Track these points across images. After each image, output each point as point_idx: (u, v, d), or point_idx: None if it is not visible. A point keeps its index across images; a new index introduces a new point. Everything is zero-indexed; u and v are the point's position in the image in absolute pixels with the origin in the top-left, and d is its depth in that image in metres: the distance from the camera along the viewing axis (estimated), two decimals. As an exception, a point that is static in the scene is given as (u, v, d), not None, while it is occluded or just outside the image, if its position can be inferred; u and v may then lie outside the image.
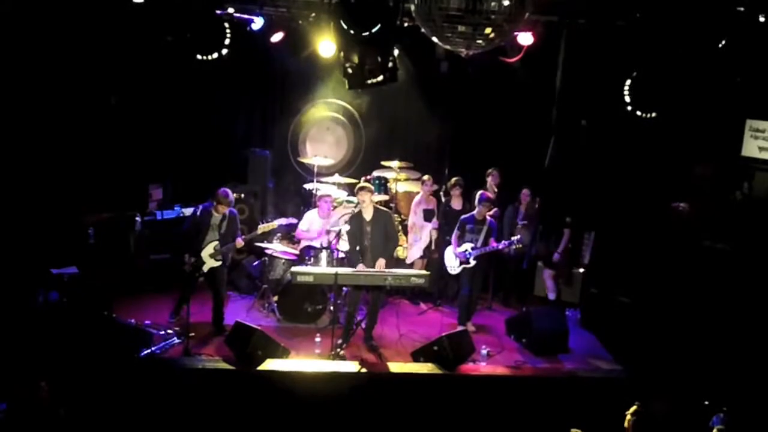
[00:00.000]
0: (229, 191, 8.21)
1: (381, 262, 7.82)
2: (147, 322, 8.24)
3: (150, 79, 9.82)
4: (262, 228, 8.39)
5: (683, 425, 6.23)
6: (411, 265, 9.68)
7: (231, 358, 7.46)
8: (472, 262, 8.59)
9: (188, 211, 9.35)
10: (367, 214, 7.93)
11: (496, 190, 9.83)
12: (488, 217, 8.74)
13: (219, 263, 8.27)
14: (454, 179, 9.54)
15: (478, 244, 8.61)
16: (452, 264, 8.88)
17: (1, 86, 8.49)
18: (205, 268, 8.18)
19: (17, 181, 8.62)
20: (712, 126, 8.97)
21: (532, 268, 9.83)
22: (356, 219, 7.99)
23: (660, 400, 6.36)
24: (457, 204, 9.60)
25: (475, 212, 8.69)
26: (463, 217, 8.81)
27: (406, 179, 10.62)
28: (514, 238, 8.59)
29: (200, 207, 8.34)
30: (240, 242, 8.34)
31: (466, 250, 8.64)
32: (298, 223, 9.58)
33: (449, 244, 8.99)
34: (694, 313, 8.00)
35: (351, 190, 10.15)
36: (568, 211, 9.55)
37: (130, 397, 6.80)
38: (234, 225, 8.26)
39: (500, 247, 8.51)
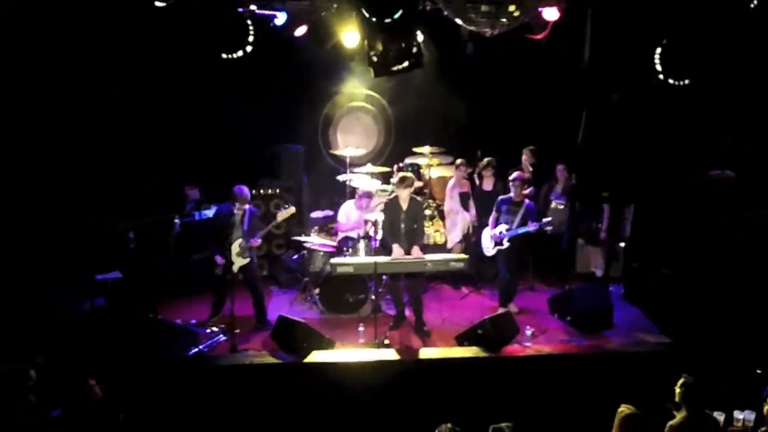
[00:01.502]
0: (245, 188, 8.22)
1: (416, 250, 7.86)
2: (192, 321, 8.33)
3: (179, 83, 9.90)
4: (281, 216, 8.40)
5: (736, 395, 6.12)
6: (450, 251, 9.66)
7: (277, 351, 7.52)
8: (506, 244, 8.57)
9: (205, 214, 9.51)
10: (404, 203, 7.97)
11: (531, 168, 9.83)
12: (527, 201, 8.73)
13: (247, 260, 8.31)
14: (486, 160, 9.58)
15: (513, 226, 8.58)
16: (487, 245, 8.89)
17: (36, 90, 8.65)
18: (235, 268, 8.19)
19: (56, 194, 8.82)
20: (747, 91, 8.92)
21: (573, 246, 9.79)
22: (392, 206, 8.03)
23: (710, 370, 6.23)
24: (487, 185, 9.62)
25: (511, 193, 8.67)
26: (499, 198, 8.79)
27: (439, 164, 10.64)
28: (545, 220, 8.47)
29: (216, 208, 8.48)
30: (255, 242, 8.34)
31: (500, 232, 8.64)
32: (333, 216, 9.76)
33: (485, 226, 9.00)
34: (738, 282, 7.94)
35: (384, 179, 10.18)
36: (606, 185, 9.51)
37: (184, 397, 6.89)
38: (255, 221, 8.30)
39: (530, 229, 8.41)
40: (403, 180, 7.92)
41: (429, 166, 10.38)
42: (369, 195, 9.37)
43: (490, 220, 8.79)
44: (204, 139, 10.15)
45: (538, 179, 9.71)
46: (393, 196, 8.09)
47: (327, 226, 10.01)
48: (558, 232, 9.20)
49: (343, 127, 11.39)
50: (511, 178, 8.66)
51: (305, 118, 11.14)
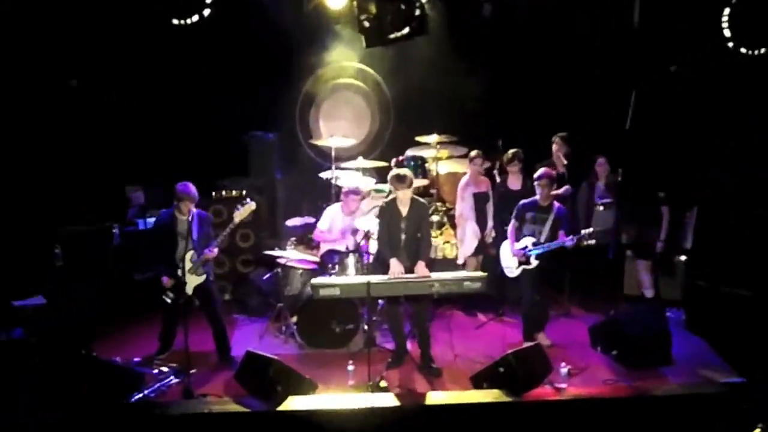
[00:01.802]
0: (190, 185, 8.22)
1: (421, 266, 7.86)
2: (136, 359, 8.36)
3: (119, 56, 10.02)
4: (239, 215, 8.26)
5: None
6: (463, 266, 9.74)
7: (244, 397, 7.40)
8: (534, 263, 8.60)
9: (151, 222, 9.70)
10: (404, 207, 8.00)
11: (565, 161, 9.90)
12: (556, 204, 8.72)
13: (202, 278, 8.37)
14: (511, 152, 9.56)
15: (542, 238, 8.61)
16: (509, 264, 8.89)
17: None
18: (189, 290, 8.23)
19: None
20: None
21: (620, 260, 9.86)
22: (389, 211, 8.07)
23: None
24: (515, 183, 9.60)
25: (537, 196, 8.63)
26: (522, 202, 8.79)
27: (449, 157, 10.76)
28: (584, 232, 8.40)
29: (161, 213, 8.46)
30: (211, 253, 8.31)
31: (525, 247, 8.66)
32: (315, 223, 9.71)
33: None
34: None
35: (379, 176, 10.34)
36: (662, 183, 9.60)
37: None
38: (206, 228, 8.34)
39: (567, 243, 8.40)
40: (401, 178, 7.89)
41: (436, 159, 10.46)
42: (357, 192, 9.42)
43: (509, 231, 8.81)
44: (151, 127, 10.34)
45: (576, 176, 9.79)
46: (390, 198, 8.10)
47: (307, 237, 10.06)
48: (601, 242, 9.01)
49: (327, 111, 11.63)
50: (535, 175, 8.65)
51: (279, 99, 11.29)
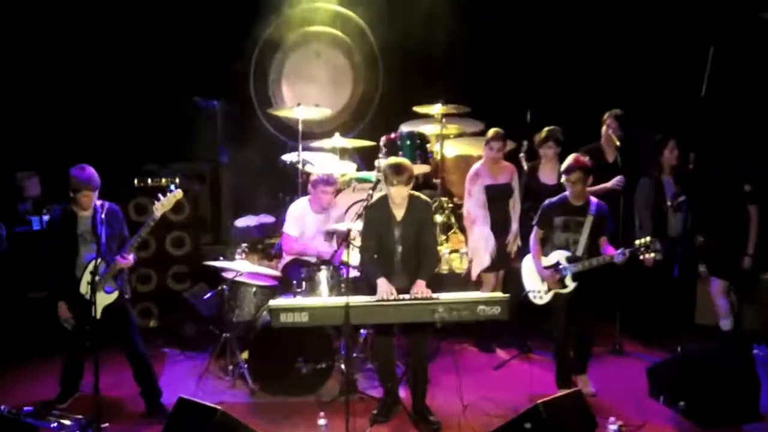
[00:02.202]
0: (89, 169, 8.17)
1: (420, 285, 7.94)
2: (27, 408, 8.07)
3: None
4: (161, 206, 8.25)
5: None
6: (478, 284, 9.86)
7: (175, 461, 7.20)
8: (570, 285, 8.65)
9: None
10: (398, 209, 8.11)
11: (618, 143, 9.97)
12: (593, 200, 8.72)
13: (113, 296, 8.35)
14: (545, 131, 9.73)
15: (579, 250, 8.66)
16: (535, 288, 8.94)
17: None
18: (97, 312, 7.97)
19: None
20: None
21: (689, 278, 9.98)
22: (378, 213, 8.16)
23: None
24: (549, 174, 9.77)
25: (567, 192, 8.69)
26: (547, 203, 8.88)
27: (459, 135, 10.88)
28: (641, 242, 8.41)
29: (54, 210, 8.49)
30: (124, 261, 8.26)
31: (557, 264, 8.73)
32: (276, 224, 10.15)
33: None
34: None
35: (363, 160, 10.69)
36: (747, 173, 9.58)
37: None
38: (118, 225, 8.36)
39: (616, 258, 8.41)
40: (398, 169, 7.95)
41: (441, 137, 10.46)
42: (330, 182, 9.54)
43: (531, 242, 8.95)
44: (52, 94, 10.57)
45: (632, 165, 9.82)
46: (379, 196, 8.22)
47: (263, 243, 10.31)
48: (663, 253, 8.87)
49: (293, 69, 11.91)
50: (563, 167, 8.70)
51: (228, 52, 11.42)
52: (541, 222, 8.79)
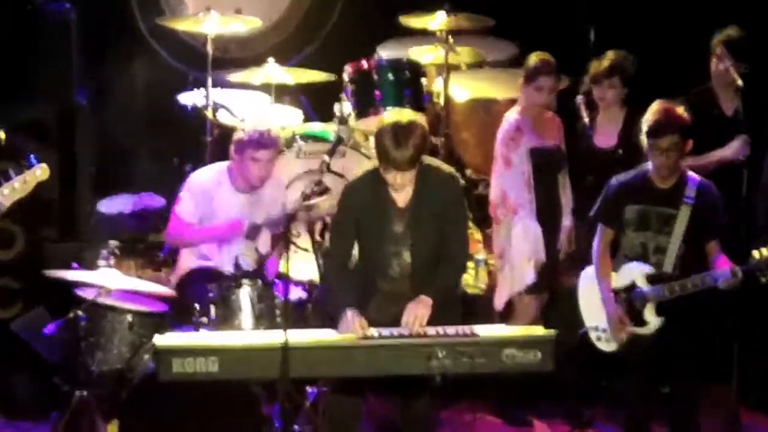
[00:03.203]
0: None
1: (423, 306, 6.62)
2: None
3: None
4: (11, 191, 6.95)
5: None
6: (506, 314, 8.58)
7: None
8: (654, 321, 7.30)
9: None
10: (400, 191, 6.76)
11: (740, 83, 8.20)
12: (692, 178, 7.38)
13: None
14: (606, 58, 8.47)
15: (667, 264, 7.30)
16: (599, 323, 7.53)
17: None
18: None
19: None
20: None
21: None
22: (363, 193, 6.91)
23: None
24: (606, 132, 8.63)
25: (648, 165, 7.40)
26: (614, 182, 7.56)
27: (474, 65, 9.87)
28: (763, 256, 6.97)
29: None
30: None
31: (631, 285, 7.42)
32: (166, 208, 9.24)
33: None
34: None
35: (318, 104, 9.96)
36: None
37: None
38: None
39: (720, 282, 7.01)
40: (399, 137, 6.50)
41: (446, 68, 9.44)
42: (265, 143, 8.16)
43: (595, 248, 7.56)
44: None
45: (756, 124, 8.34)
46: (368, 170, 6.95)
47: (146, 242, 9.46)
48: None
49: None
50: (646, 121, 7.23)
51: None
52: (606, 214, 7.50)
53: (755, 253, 6.92)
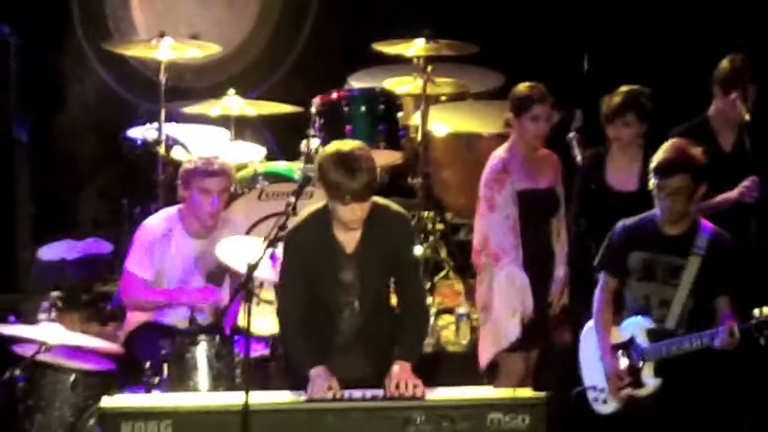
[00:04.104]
0: None
1: (404, 373, 6.13)
2: None
3: None
4: None
5: None
6: (490, 374, 7.93)
7: None
8: (651, 381, 6.92)
9: None
10: (348, 234, 6.39)
11: (746, 117, 7.81)
12: (705, 224, 7.06)
13: None
14: (620, 93, 7.75)
15: (670, 318, 6.89)
16: (599, 382, 7.18)
17: None
18: None
19: None
20: None
21: None
22: (310, 238, 6.43)
23: None
24: (623, 173, 8.02)
25: (656, 210, 7.03)
26: (622, 225, 7.15)
27: (456, 96, 9.81)
28: (763, 314, 6.55)
29: None
30: None
31: (630, 341, 7.10)
32: (113, 255, 9.36)
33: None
34: None
35: (283, 140, 9.79)
36: None
37: None
38: None
39: (715, 342, 6.62)
40: (351, 167, 6.10)
41: (424, 100, 9.16)
42: (213, 172, 7.59)
43: (596, 300, 7.15)
44: None
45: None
46: (313, 209, 6.45)
47: (92, 292, 9.13)
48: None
49: None
50: (656, 160, 6.83)
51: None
52: (611, 262, 7.08)
53: (756, 311, 6.43)
